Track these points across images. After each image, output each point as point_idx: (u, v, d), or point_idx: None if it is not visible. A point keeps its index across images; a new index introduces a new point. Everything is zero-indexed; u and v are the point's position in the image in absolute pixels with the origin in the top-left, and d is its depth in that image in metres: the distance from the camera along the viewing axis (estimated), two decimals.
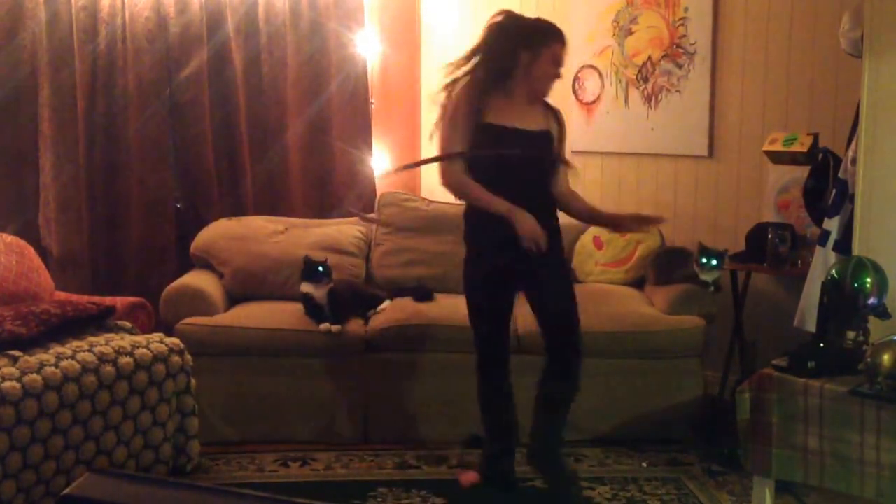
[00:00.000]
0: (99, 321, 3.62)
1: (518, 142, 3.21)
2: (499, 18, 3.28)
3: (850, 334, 2.87)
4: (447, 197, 4.64)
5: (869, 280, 2.82)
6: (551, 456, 3.39)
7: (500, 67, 3.22)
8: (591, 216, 3.53)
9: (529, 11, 5.13)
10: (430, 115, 3.69)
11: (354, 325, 4.06)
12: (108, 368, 3.33)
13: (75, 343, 3.40)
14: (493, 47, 3.23)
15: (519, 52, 3.21)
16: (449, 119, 3.24)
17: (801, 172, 3.93)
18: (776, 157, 4.14)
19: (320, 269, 4.06)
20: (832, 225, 3.42)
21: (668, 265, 4.31)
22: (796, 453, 2.80)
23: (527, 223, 3.14)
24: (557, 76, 3.31)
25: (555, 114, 3.38)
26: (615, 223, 3.49)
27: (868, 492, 2.67)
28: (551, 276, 3.32)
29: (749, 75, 4.47)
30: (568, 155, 3.52)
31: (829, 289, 2.87)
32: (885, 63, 3.13)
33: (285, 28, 4.86)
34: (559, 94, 4.84)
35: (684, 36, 4.61)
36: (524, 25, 3.28)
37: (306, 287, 4.06)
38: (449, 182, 3.28)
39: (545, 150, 3.29)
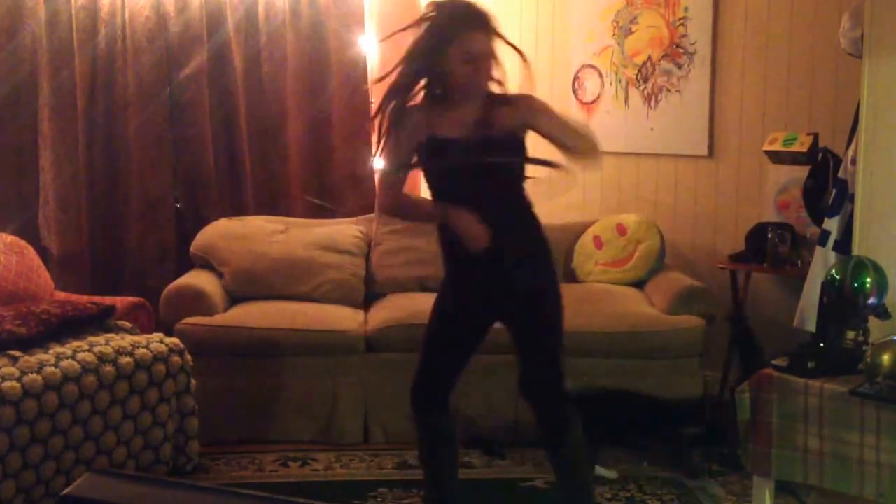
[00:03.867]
0: (99, 321, 3.62)
1: (455, 154, 2.69)
2: (429, 15, 2.68)
3: (850, 334, 2.86)
4: None
5: (869, 280, 2.82)
6: None
7: (433, 78, 2.70)
8: None
9: (530, 12, 5.19)
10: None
11: (354, 325, 4.07)
12: (108, 368, 3.33)
13: (75, 343, 3.40)
14: (418, 55, 2.68)
15: (442, 54, 2.63)
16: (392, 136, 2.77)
17: (801, 172, 3.93)
18: (776, 157, 4.14)
19: None
20: (832, 225, 3.42)
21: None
22: (796, 453, 2.80)
23: (462, 221, 2.63)
24: (478, 73, 2.63)
25: (504, 106, 2.70)
26: None
27: (868, 492, 2.67)
28: (525, 312, 2.81)
29: (749, 75, 4.47)
30: None
31: (829, 289, 2.86)
32: (885, 63, 3.13)
33: (285, 28, 4.86)
34: (559, 95, 4.91)
35: (684, 36, 4.61)
36: (442, 19, 2.65)
37: None
38: (385, 204, 2.89)
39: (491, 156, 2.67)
